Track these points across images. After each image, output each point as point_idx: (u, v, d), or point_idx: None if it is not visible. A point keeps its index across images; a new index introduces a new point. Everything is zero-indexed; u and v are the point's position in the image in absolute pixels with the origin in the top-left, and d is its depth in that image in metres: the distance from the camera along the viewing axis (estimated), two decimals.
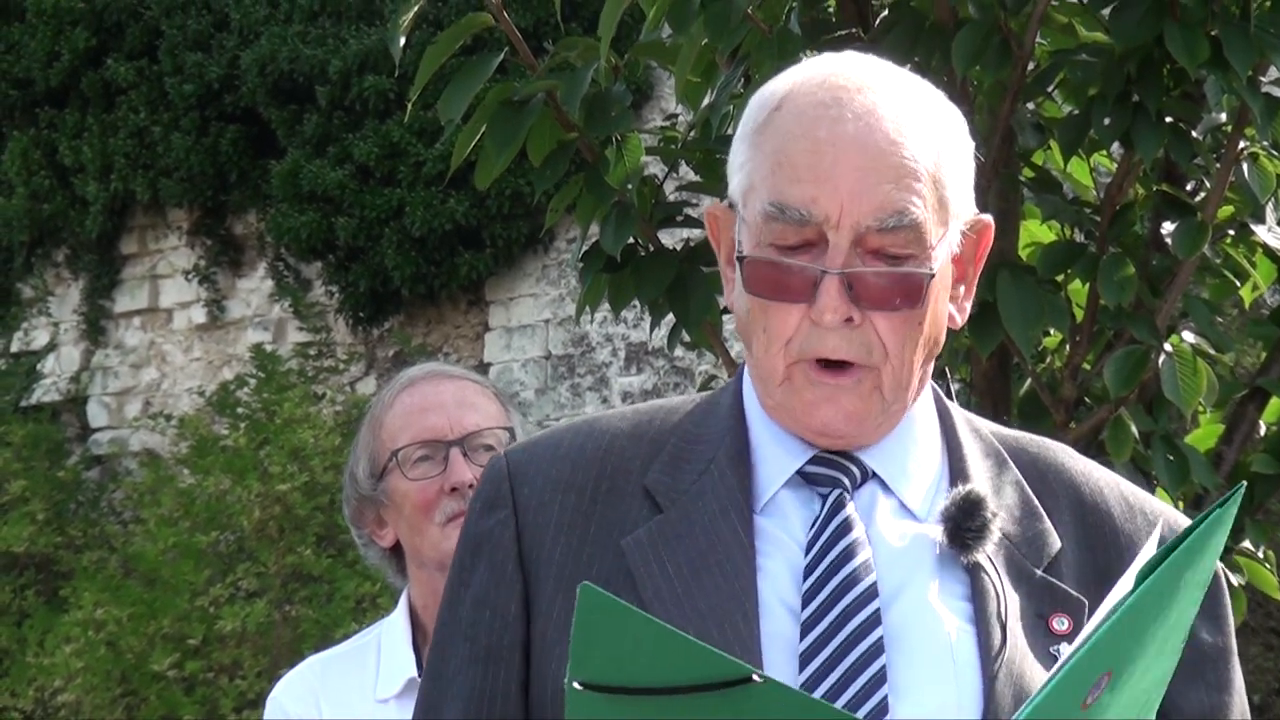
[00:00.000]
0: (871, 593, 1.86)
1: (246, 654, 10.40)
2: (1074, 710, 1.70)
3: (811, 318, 1.84)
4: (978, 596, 1.89)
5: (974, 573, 1.90)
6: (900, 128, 1.83)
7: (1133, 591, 1.72)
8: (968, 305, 1.93)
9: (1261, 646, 9.22)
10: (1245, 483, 1.79)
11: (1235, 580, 4.20)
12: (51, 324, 13.16)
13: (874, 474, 1.93)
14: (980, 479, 1.94)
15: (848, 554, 1.88)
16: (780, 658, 1.85)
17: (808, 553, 1.89)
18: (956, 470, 1.94)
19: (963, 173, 1.88)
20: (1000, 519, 1.90)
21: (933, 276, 1.84)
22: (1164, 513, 2.01)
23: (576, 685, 1.64)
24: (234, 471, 10.66)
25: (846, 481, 1.92)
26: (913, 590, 1.88)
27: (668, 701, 1.63)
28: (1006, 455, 1.97)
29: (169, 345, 12.84)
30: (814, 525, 1.90)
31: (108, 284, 12.92)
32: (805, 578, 1.87)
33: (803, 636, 1.85)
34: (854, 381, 1.87)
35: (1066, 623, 1.90)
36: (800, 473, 1.92)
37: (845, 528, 1.89)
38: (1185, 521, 2.01)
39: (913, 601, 1.88)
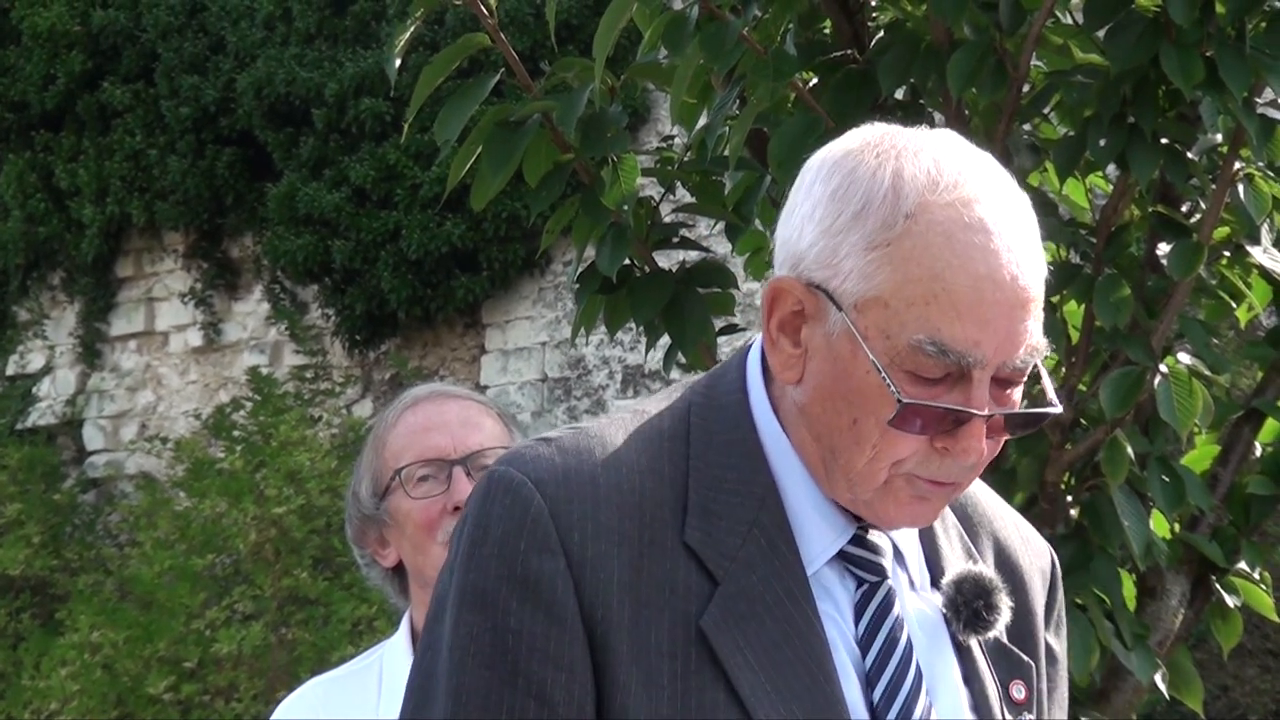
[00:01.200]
0: (929, 704, 1.85)
1: (242, 677, 10.38)
2: None
3: (937, 446, 1.80)
4: (973, 680, 1.89)
5: (965, 652, 1.90)
6: (1026, 254, 1.81)
7: None
8: None
9: (1258, 668, 9.21)
10: None
11: (1231, 602, 4.20)
12: (47, 347, 13.16)
13: (896, 550, 1.91)
14: (940, 536, 1.93)
15: (906, 660, 1.85)
16: None
17: (866, 654, 1.85)
18: (923, 530, 1.94)
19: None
20: (1010, 603, 1.90)
21: (1058, 413, 1.85)
22: (1036, 541, 2.02)
23: None
24: (230, 494, 10.65)
25: (887, 567, 1.89)
26: (944, 688, 1.88)
27: None
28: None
29: (165, 368, 12.84)
30: (865, 619, 1.86)
31: (103, 307, 12.92)
32: (871, 686, 1.84)
33: None
34: (953, 489, 1.86)
35: (1023, 690, 1.90)
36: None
37: (898, 627, 1.86)
38: (1046, 547, 2.02)
39: (949, 703, 1.87)
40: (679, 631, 1.79)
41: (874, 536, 1.90)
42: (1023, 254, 1.81)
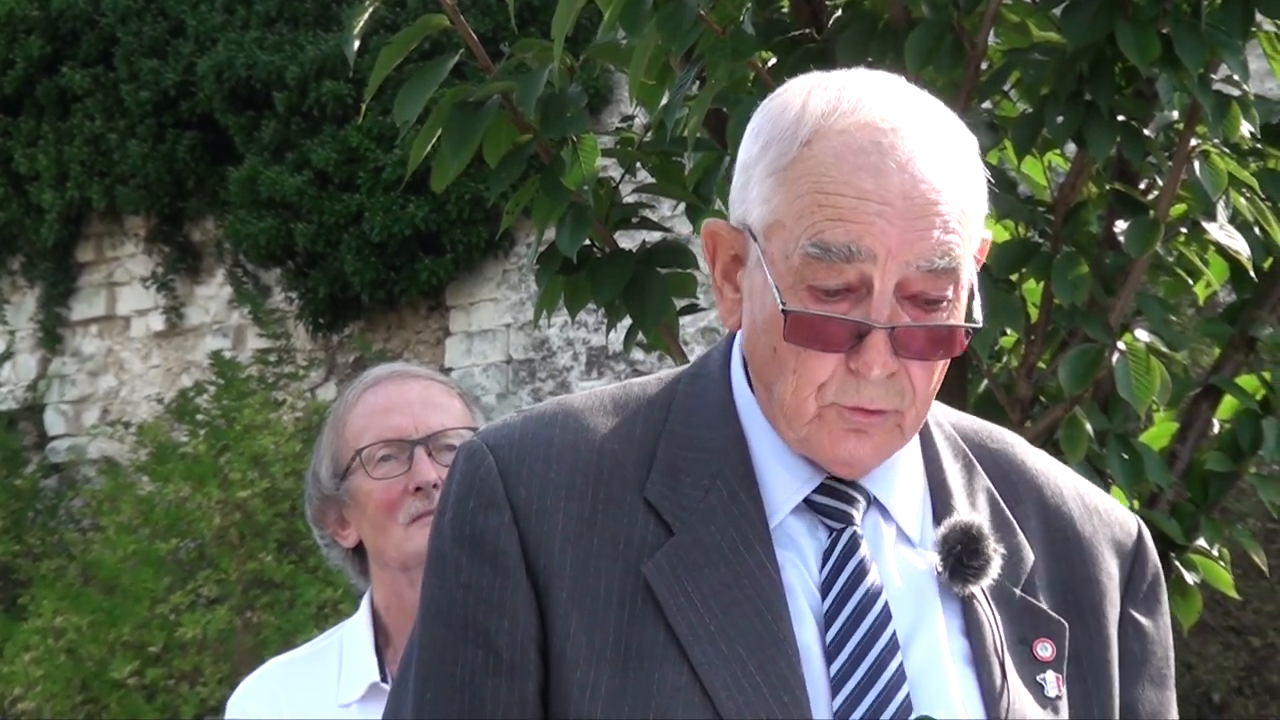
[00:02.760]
0: (894, 644, 1.85)
1: (207, 661, 10.36)
2: None
3: (851, 367, 1.82)
4: (973, 631, 1.88)
5: (967, 603, 1.89)
6: (939, 173, 1.82)
7: None
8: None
9: (1220, 645, 9.25)
10: None
11: (1191, 579, 4.22)
12: (8, 332, 13.10)
13: (875, 501, 1.91)
14: (958, 493, 1.93)
15: (868, 601, 1.86)
16: (819, 709, 1.83)
17: (824, 596, 1.86)
18: (936, 484, 1.93)
19: (983, 202, 1.88)
20: (1002, 550, 1.89)
21: (976, 328, 1.84)
22: (1114, 512, 2.01)
23: None
24: (194, 478, 10.62)
25: (856, 515, 1.90)
26: (924, 635, 1.87)
27: None
28: (973, 457, 1.96)
29: (127, 353, 12.80)
30: (829, 564, 1.88)
31: (64, 292, 12.87)
32: (826, 627, 1.85)
33: (835, 693, 1.83)
34: (883, 419, 1.86)
35: (1050, 648, 1.90)
36: (805, 499, 1.90)
37: (861, 571, 1.87)
38: (1132, 521, 2.01)
39: (926, 648, 1.87)
40: (628, 580, 1.83)
41: (846, 487, 1.90)
42: (929, 169, 1.81)
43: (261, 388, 11.44)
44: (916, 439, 1.94)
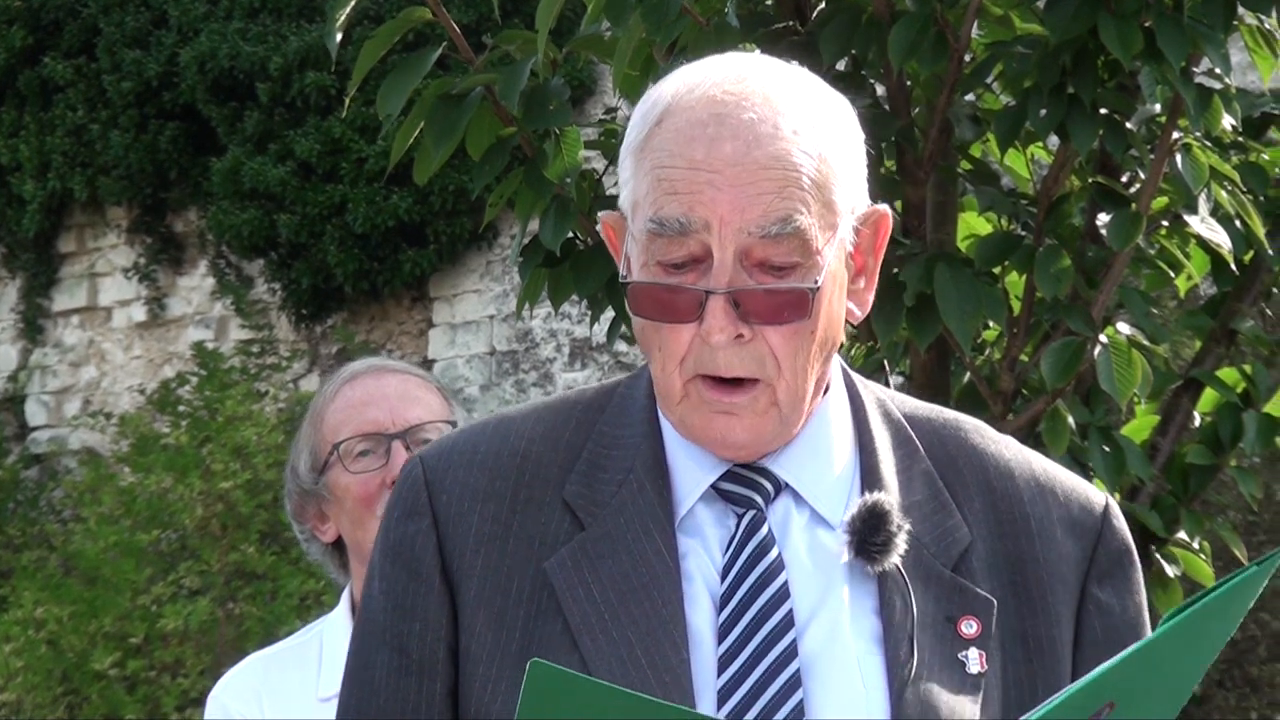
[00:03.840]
0: (788, 622, 1.86)
1: (189, 652, 10.35)
2: None
3: (701, 336, 1.84)
4: (885, 609, 1.88)
5: (882, 582, 1.89)
6: (781, 139, 1.83)
7: (1155, 631, 1.74)
8: (869, 296, 1.93)
9: None
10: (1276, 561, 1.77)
11: (1171, 571, 4.23)
12: None
13: (786, 486, 1.92)
14: (890, 477, 1.93)
15: (764, 581, 1.87)
16: (704, 692, 1.84)
17: (723, 579, 1.88)
18: (868, 468, 1.93)
19: (852, 168, 1.87)
20: (907, 527, 1.89)
21: (817, 289, 1.84)
22: (1074, 492, 1.99)
23: None
24: (176, 469, 10.61)
25: (760, 500, 1.91)
26: (826, 614, 1.88)
27: None
28: (917, 442, 1.96)
29: (108, 343, 12.78)
30: (729, 548, 1.89)
31: (45, 283, 12.84)
32: (721, 608, 1.87)
33: (720, 671, 1.85)
34: (749, 398, 1.86)
35: (975, 625, 1.89)
36: (715, 488, 1.91)
37: (760, 552, 1.89)
38: (1097, 500, 2.00)
39: (826, 627, 1.87)
40: (538, 579, 1.88)
41: (753, 474, 1.92)
42: (768, 136, 1.83)
43: (244, 379, 11.43)
44: (848, 420, 1.94)
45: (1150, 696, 1.76)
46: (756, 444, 1.90)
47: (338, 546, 3.00)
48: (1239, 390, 4.26)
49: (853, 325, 1.94)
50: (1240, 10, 3.89)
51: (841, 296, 1.89)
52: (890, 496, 1.91)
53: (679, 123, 1.84)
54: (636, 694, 1.61)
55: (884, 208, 1.91)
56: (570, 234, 3.98)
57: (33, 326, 12.88)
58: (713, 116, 1.84)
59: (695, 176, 1.82)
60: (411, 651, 1.88)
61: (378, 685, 1.90)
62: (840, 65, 4.00)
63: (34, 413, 12.87)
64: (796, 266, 1.83)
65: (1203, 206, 3.94)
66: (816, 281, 1.84)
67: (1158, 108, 3.94)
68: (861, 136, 1.90)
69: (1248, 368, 4.29)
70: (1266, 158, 4.16)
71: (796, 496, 1.93)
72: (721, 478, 1.92)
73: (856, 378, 1.99)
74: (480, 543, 1.88)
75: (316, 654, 2.97)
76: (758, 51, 3.95)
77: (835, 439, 1.94)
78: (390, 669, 1.89)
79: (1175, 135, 3.90)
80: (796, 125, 1.84)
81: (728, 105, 1.84)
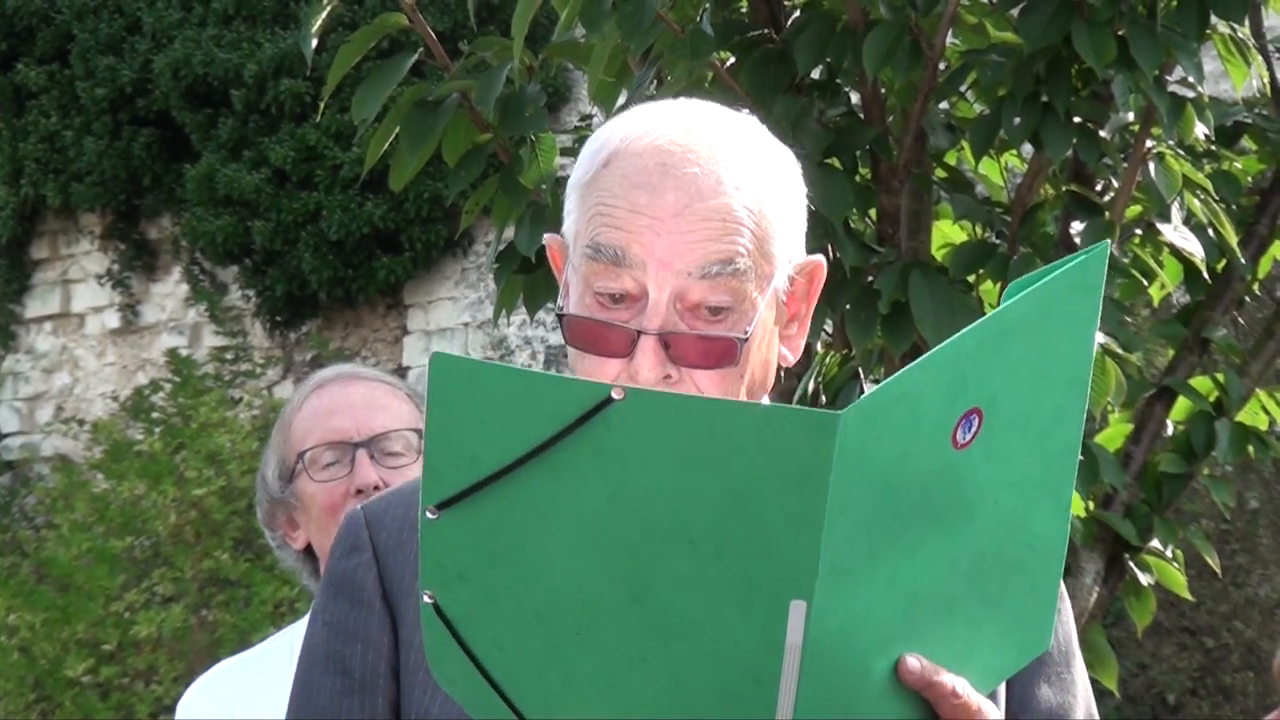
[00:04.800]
0: None
1: (163, 659, 10.33)
2: (939, 440, 1.62)
3: (630, 374, 1.85)
4: None
5: None
6: (721, 194, 1.86)
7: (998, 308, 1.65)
8: (801, 342, 1.95)
9: (1176, 646, 9.30)
10: (1109, 241, 1.76)
11: (1145, 580, 4.24)
12: None
13: None
14: None
15: None
16: None
17: None
18: None
19: (790, 221, 1.90)
20: None
21: (746, 339, 1.85)
22: None
23: (430, 514, 1.62)
24: (149, 476, 10.59)
25: None
26: None
27: (528, 481, 1.60)
28: None
29: (82, 350, 12.75)
30: None
31: (18, 289, 12.82)
32: None
33: None
34: None
35: None
36: None
37: None
38: None
39: None
40: None
41: None
42: (711, 185, 1.86)
43: (218, 385, 11.41)
44: None
45: (1019, 396, 1.65)
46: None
47: (309, 553, 2.99)
48: (1212, 399, 4.27)
49: (783, 368, 1.96)
50: (1213, 19, 3.90)
51: (773, 343, 1.91)
52: None
53: (625, 168, 1.87)
54: (541, 373, 1.61)
55: (819, 259, 1.94)
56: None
57: (5, 333, 12.85)
58: (658, 165, 1.86)
59: (636, 220, 1.85)
60: (354, 672, 1.93)
61: (322, 708, 1.94)
62: (815, 73, 4.01)
63: (6, 419, 12.83)
64: (729, 312, 1.85)
65: (1176, 215, 3.96)
66: (746, 331, 1.86)
67: (1131, 116, 3.95)
68: (803, 189, 1.93)
69: (1220, 376, 4.30)
70: (1239, 166, 4.18)
71: None
72: None
73: None
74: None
75: (287, 661, 2.95)
76: (733, 59, 3.97)
77: None
78: (334, 692, 1.94)
79: (1148, 144, 3.91)
80: (739, 181, 1.87)
81: (674, 156, 1.87)
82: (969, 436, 1.63)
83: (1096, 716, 1.98)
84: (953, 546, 1.65)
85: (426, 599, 1.67)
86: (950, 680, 1.69)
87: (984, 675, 1.72)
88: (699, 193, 1.85)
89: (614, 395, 1.58)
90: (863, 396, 1.59)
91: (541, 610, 1.62)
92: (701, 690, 1.62)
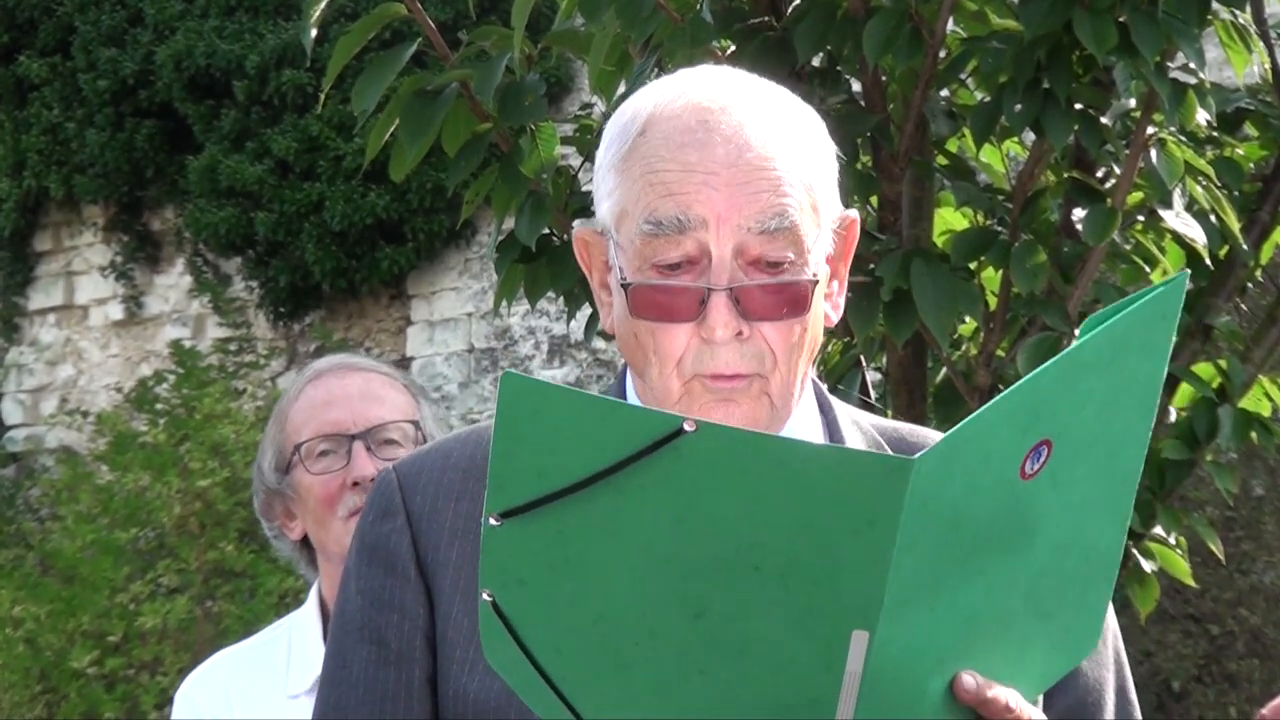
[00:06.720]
0: None
1: (168, 650, 10.34)
2: (1008, 474, 1.62)
3: (702, 335, 1.85)
4: None
5: None
6: (769, 142, 1.86)
7: (1074, 343, 1.67)
8: (841, 301, 1.95)
9: (1180, 633, 9.30)
10: (1187, 272, 1.75)
11: (1148, 567, 4.24)
12: None
13: None
14: None
15: None
16: None
17: None
18: None
19: (829, 176, 1.91)
20: None
21: (816, 283, 1.86)
22: None
23: (493, 521, 1.63)
24: (153, 468, 10.59)
25: None
26: None
27: (593, 500, 1.60)
28: (888, 449, 1.98)
29: (85, 342, 12.75)
30: None
31: (22, 281, 12.82)
32: None
33: None
34: (746, 384, 1.88)
35: None
36: None
37: None
38: None
39: None
40: None
41: None
42: (757, 139, 1.86)
43: (222, 377, 11.41)
44: (819, 427, 1.97)
45: (1091, 437, 1.66)
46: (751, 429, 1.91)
47: (306, 544, 2.99)
48: (1215, 385, 4.27)
49: (827, 329, 1.97)
50: (1214, 5, 3.89)
51: (822, 299, 1.92)
52: None
53: (666, 129, 1.87)
54: (613, 400, 1.61)
55: (854, 213, 1.94)
56: (546, 230, 3.98)
57: (9, 325, 12.86)
58: (700, 123, 1.86)
59: (690, 178, 1.84)
60: (390, 642, 1.91)
61: (356, 679, 1.92)
62: (815, 61, 4.00)
63: (10, 411, 12.84)
64: (790, 264, 1.86)
65: (1178, 202, 3.95)
66: (815, 276, 1.87)
67: (1132, 103, 3.94)
68: (833, 146, 1.93)
69: (1223, 363, 4.29)
70: (1241, 153, 4.17)
71: None
72: None
73: (824, 388, 2.02)
74: (454, 536, 1.91)
75: (285, 651, 2.96)
76: (733, 48, 3.96)
77: (812, 439, 1.95)
78: (369, 662, 1.92)
79: (1150, 130, 3.91)
80: (780, 134, 1.87)
81: (714, 112, 1.87)
82: (1038, 466, 1.64)
83: (1131, 684, 1.99)
84: (1014, 568, 1.66)
85: (485, 597, 1.67)
86: (1004, 695, 1.70)
87: (1035, 683, 1.73)
88: (747, 143, 1.85)
89: (686, 427, 1.59)
90: (937, 441, 1.60)
91: (600, 620, 1.64)
92: (758, 705, 1.63)
